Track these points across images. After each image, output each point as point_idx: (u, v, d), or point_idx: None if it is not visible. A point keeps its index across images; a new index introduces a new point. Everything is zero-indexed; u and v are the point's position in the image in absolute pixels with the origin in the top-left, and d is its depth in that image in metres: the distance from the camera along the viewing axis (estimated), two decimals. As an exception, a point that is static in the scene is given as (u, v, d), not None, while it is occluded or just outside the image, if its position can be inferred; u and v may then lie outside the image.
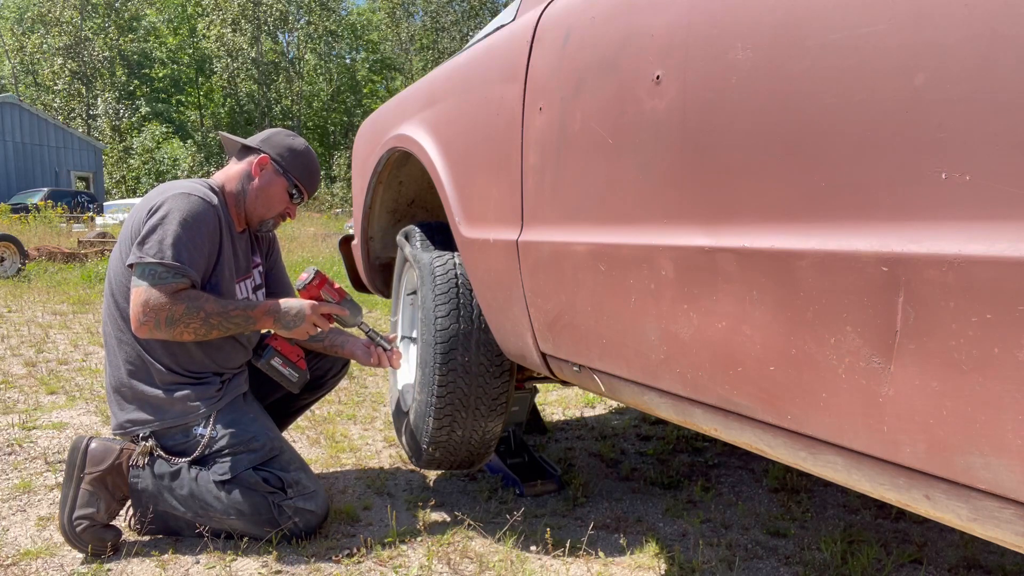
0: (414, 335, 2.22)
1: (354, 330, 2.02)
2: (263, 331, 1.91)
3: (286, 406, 2.13)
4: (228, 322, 1.74)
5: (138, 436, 1.75)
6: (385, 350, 1.97)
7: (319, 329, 1.85)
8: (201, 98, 41.85)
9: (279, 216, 1.97)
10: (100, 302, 6.28)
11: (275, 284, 2.12)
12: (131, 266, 1.70)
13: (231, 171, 1.93)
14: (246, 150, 1.95)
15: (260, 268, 2.05)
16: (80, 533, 1.65)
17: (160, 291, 1.66)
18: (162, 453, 1.74)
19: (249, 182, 1.90)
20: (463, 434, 1.79)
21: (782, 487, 2.13)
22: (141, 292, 1.67)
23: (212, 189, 1.85)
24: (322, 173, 33.88)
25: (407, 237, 2.04)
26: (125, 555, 1.66)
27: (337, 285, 1.91)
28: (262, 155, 1.90)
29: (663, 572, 1.62)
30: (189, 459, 1.74)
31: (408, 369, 2.21)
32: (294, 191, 1.94)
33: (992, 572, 1.62)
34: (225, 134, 2.01)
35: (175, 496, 1.71)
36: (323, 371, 2.12)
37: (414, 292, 2.19)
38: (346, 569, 1.62)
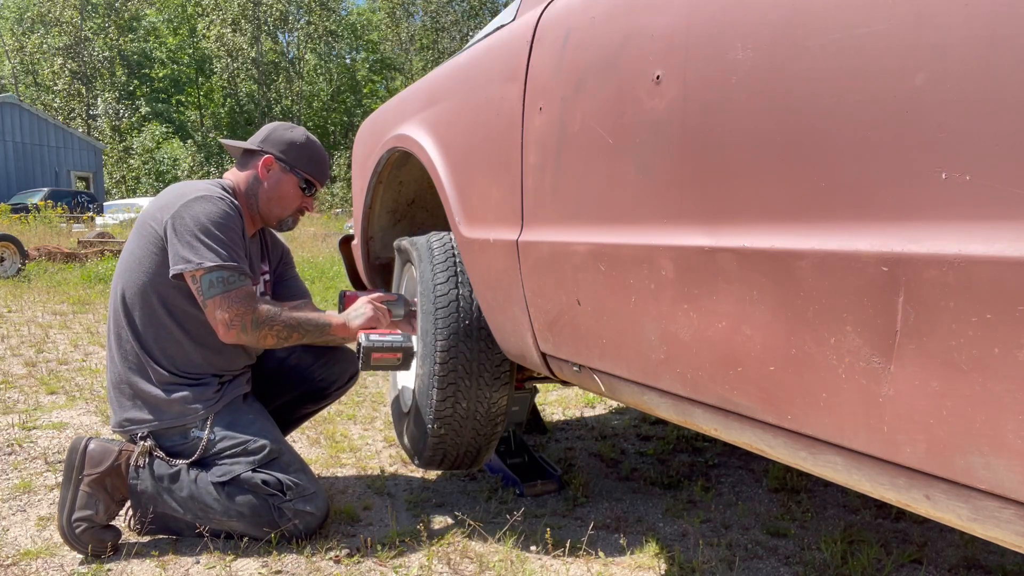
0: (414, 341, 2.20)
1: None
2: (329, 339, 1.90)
3: (288, 413, 2.12)
4: (307, 325, 1.79)
5: (137, 436, 1.75)
6: None
7: (387, 317, 1.89)
8: (201, 98, 41.84)
9: (297, 212, 1.97)
10: (100, 302, 6.28)
11: (289, 290, 2.11)
12: (178, 276, 1.70)
13: (239, 176, 1.92)
14: (249, 153, 1.93)
15: (266, 277, 2.05)
16: (79, 535, 1.64)
17: (238, 295, 1.69)
18: (161, 454, 1.74)
19: (258, 186, 1.90)
20: (468, 406, 1.75)
21: (782, 487, 2.13)
22: (220, 301, 1.68)
23: (226, 190, 1.85)
24: (322, 173, 33.85)
25: (399, 246, 2.10)
26: (125, 555, 1.66)
27: (362, 292, 2.02)
28: (266, 156, 1.89)
29: (663, 572, 1.62)
30: (188, 461, 1.74)
31: (408, 371, 2.20)
32: (305, 185, 1.94)
33: (992, 572, 1.62)
34: (226, 140, 2.01)
35: (174, 498, 1.71)
36: (328, 382, 2.11)
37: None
38: (346, 569, 1.61)
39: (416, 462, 1.93)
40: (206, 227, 1.69)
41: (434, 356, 1.72)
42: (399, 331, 1.85)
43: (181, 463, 1.73)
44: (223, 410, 1.79)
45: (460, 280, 1.73)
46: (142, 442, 1.73)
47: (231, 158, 2.06)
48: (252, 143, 1.93)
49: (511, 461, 2.19)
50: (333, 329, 1.83)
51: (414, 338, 1.90)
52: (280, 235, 2.19)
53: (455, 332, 1.71)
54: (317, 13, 37.72)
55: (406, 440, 1.98)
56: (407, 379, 2.18)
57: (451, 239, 1.80)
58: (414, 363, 1.87)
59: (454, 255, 1.77)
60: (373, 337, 1.79)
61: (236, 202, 1.82)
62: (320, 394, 2.12)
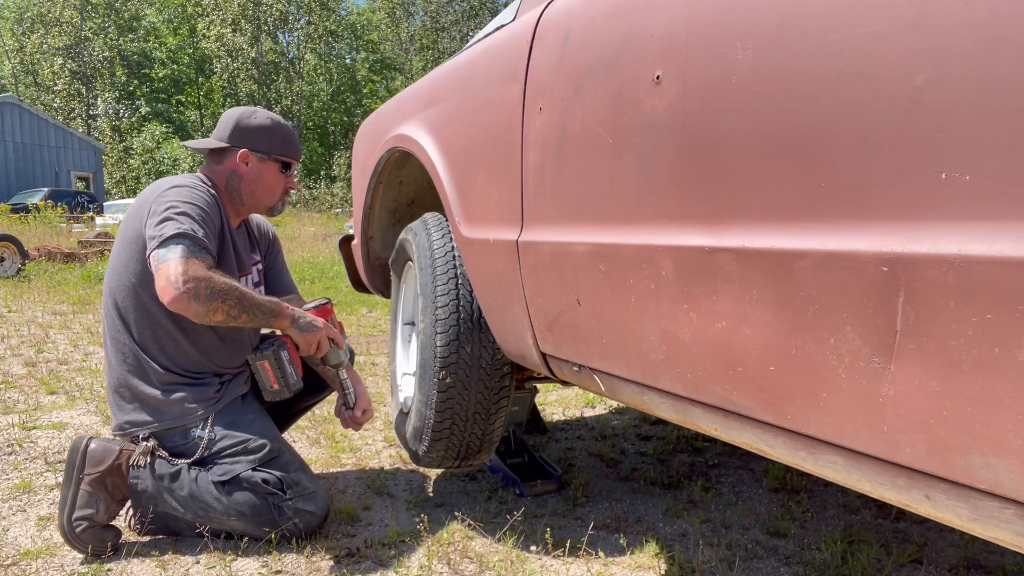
0: (413, 371, 2.19)
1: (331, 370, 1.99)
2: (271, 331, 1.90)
3: (287, 408, 2.12)
4: (258, 309, 1.71)
5: (138, 438, 1.75)
6: (347, 407, 1.96)
7: (322, 348, 1.85)
8: (201, 98, 41.85)
9: (284, 194, 1.99)
10: (100, 302, 6.27)
11: (276, 282, 2.12)
12: (151, 252, 1.66)
13: (216, 171, 1.90)
14: (220, 150, 1.90)
15: (259, 266, 2.06)
16: (80, 534, 1.64)
17: (200, 262, 1.62)
18: (162, 453, 1.74)
19: (239, 180, 1.89)
20: (472, 350, 1.72)
21: (782, 487, 2.13)
22: (178, 263, 1.58)
23: (204, 182, 1.85)
24: (322, 173, 33.90)
25: (395, 250, 2.13)
26: (125, 555, 1.66)
27: (339, 321, 2.00)
28: (240, 151, 1.88)
29: (663, 572, 1.62)
30: (189, 461, 1.74)
31: (408, 361, 2.20)
32: (283, 168, 1.95)
33: (992, 572, 1.62)
34: (191, 143, 1.98)
35: (175, 497, 1.71)
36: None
37: (411, 323, 2.20)
38: (346, 569, 1.62)
39: (423, 444, 1.84)
40: (175, 205, 1.68)
41: (434, 302, 1.72)
42: (301, 374, 1.86)
43: (182, 462, 1.73)
44: (223, 410, 1.79)
45: (453, 236, 1.77)
46: (144, 442, 1.73)
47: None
48: (221, 139, 1.89)
49: (511, 461, 2.19)
50: (278, 324, 1.78)
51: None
52: (269, 223, 2.20)
53: (453, 277, 1.72)
54: (317, 13, 37.69)
55: (413, 420, 1.91)
56: (408, 383, 2.19)
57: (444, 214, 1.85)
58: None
59: (447, 222, 1.82)
60: (284, 356, 1.81)
61: (215, 192, 1.83)
62: (318, 385, 2.12)
